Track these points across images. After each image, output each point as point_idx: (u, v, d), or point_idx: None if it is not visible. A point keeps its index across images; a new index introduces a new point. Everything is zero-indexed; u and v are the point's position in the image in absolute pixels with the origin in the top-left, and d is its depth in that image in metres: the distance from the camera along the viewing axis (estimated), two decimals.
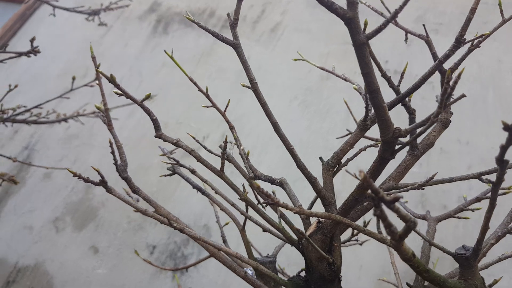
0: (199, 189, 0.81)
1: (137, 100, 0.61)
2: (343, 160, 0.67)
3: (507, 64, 1.89)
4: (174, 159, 0.79)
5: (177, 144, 0.69)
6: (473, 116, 1.78)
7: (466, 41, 0.52)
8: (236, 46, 0.61)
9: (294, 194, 0.69)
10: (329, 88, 1.93)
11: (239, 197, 0.71)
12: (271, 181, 0.70)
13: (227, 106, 0.76)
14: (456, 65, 0.58)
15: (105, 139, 1.96)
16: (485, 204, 0.86)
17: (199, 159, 0.71)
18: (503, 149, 0.30)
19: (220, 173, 0.71)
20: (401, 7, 0.37)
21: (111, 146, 0.63)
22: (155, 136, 0.66)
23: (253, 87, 0.63)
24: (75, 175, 0.62)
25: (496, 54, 1.92)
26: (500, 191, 0.80)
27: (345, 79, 0.78)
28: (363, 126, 0.55)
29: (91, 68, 2.09)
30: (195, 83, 0.73)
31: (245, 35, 2.01)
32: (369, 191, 0.28)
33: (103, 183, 0.64)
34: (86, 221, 1.92)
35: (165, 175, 0.81)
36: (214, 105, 0.76)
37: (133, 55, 2.07)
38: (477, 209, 0.84)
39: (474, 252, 0.47)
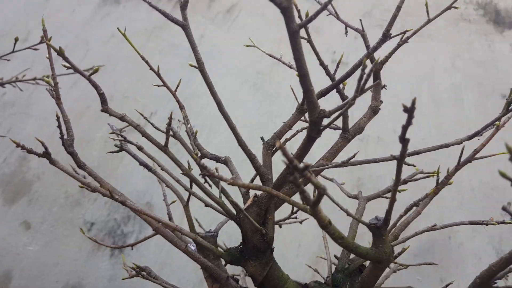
0: (145, 166, 0.81)
1: (85, 74, 0.61)
2: (282, 140, 0.74)
3: (441, 62, 2.05)
4: (122, 136, 0.79)
5: (123, 118, 0.70)
6: None
7: (391, 35, 0.59)
8: (184, 27, 0.63)
9: (237, 171, 0.74)
10: (280, 73, 1.97)
11: (182, 172, 0.73)
12: (216, 159, 0.74)
13: (177, 86, 0.77)
14: (386, 57, 0.68)
15: (44, 109, 1.85)
16: (411, 186, 0.94)
17: (144, 134, 0.73)
18: (404, 128, 0.35)
19: (164, 148, 0.73)
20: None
21: (58, 120, 0.63)
22: (101, 110, 0.66)
23: (200, 67, 0.66)
24: (18, 145, 0.61)
25: (432, 52, 2.07)
26: (424, 175, 0.88)
27: (290, 67, 0.83)
28: (300, 110, 0.60)
29: (33, 31, 1.96)
30: (146, 62, 0.74)
31: (200, 13, 1.99)
32: (285, 159, 0.31)
33: (46, 154, 0.63)
34: (19, 195, 1.81)
35: (113, 152, 0.81)
36: (165, 84, 0.77)
37: (81, 22, 1.97)
38: (403, 190, 0.91)
39: (384, 222, 0.51)
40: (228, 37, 2.00)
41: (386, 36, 0.61)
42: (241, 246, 0.71)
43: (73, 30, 1.95)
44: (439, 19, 0.70)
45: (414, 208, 0.77)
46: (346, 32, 0.78)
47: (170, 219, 0.86)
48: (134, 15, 1.98)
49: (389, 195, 0.89)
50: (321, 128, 0.53)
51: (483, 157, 0.78)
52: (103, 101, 0.66)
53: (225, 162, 0.77)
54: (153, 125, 0.78)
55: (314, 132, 0.53)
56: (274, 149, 0.72)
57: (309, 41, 0.72)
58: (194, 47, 0.65)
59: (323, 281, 0.76)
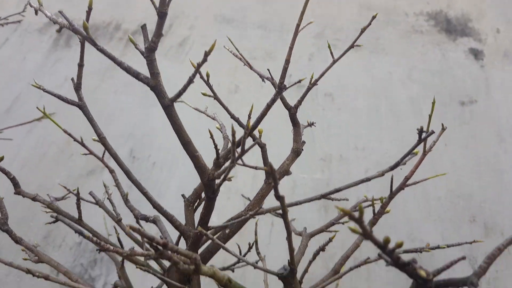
0: (80, 233, 0.84)
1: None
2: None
3: (397, 75, 2.07)
4: (57, 209, 0.79)
5: (35, 199, 0.74)
6: (368, 124, 1.92)
7: (286, 87, 0.60)
8: (81, 106, 0.68)
9: (166, 230, 0.75)
10: (236, 101, 1.97)
11: (98, 249, 0.75)
12: (145, 219, 0.75)
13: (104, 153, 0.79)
14: (299, 102, 0.72)
15: None
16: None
17: (58, 211, 0.77)
18: (275, 190, 0.35)
19: (78, 222, 0.78)
20: (204, 61, 0.43)
21: None
22: (14, 193, 0.70)
23: (101, 141, 0.70)
24: None
25: (387, 66, 2.09)
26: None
27: (213, 119, 0.85)
28: (217, 164, 0.60)
29: None
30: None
31: None
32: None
33: None
34: None
35: (49, 223, 0.84)
36: (91, 152, 0.80)
37: (32, 70, 1.97)
38: (346, 222, 0.91)
39: (290, 271, 0.52)
40: (182, 69, 2.00)
41: (281, 89, 0.61)
42: None
43: (25, 78, 1.95)
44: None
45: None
46: (263, 80, 0.77)
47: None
48: (86, 57, 1.99)
49: (334, 228, 0.88)
50: (216, 188, 0.54)
51: (415, 182, 0.78)
52: (15, 184, 0.69)
53: (154, 221, 0.78)
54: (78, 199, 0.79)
55: (209, 193, 0.55)
56: (195, 205, 0.73)
57: (215, 98, 0.74)
58: (93, 123, 0.68)
59: None
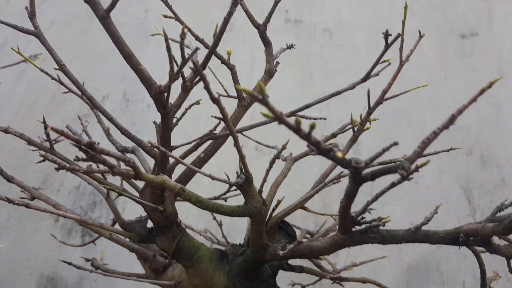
0: (63, 167, 0.85)
1: None
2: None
3: (397, 9, 1.99)
4: (29, 140, 0.79)
5: (6, 131, 0.74)
6: (368, 60, 1.86)
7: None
8: (37, 35, 0.66)
9: (145, 158, 0.75)
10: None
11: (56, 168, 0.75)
12: (125, 150, 0.75)
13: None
14: (267, 18, 0.63)
15: None
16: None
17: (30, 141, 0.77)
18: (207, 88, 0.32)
19: (50, 150, 0.78)
20: None
21: None
22: None
23: (61, 68, 0.68)
24: None
25: (388, 0, 2.00)
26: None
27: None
28: (184, 88, 0.57)
29: None
30: None
31: None
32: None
33: None
34: None
35: (39, 162, 0.83)
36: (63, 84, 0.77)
37: (17, 13, 1.89)
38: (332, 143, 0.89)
39: (246, 179, 0.53)
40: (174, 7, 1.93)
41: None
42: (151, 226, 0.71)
43: (12, 22, 1.88)
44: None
45: None
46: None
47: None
48: None
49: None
50: (166, 102, 0.53)
51: (394, 96, 0.75)
52: None
53: (133, 151, 0.77)
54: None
55: (161, 109, 0.54)
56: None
57: (177, 19, 0.70)
58: (52, 53, 0.66)
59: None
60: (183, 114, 0.71)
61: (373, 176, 0.43)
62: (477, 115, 1.73)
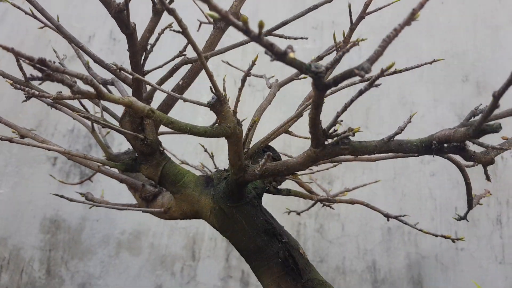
0: (51, 105, 0.82)
1: None
2: None
3: None
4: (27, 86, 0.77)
5: None
6: None
7: None
8: None
9: (124, 89, 0.74)
10: None
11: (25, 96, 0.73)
12: (105, 82, 0.75)
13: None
14: None
15: None
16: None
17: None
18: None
19: (26, 83, 0.73)
20: None
21: None
22: None
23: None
24: None
25: None
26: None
27: None
28: (155, 11, 0.54)
29: None
30: None
31: None
32: None
33: None
34: None
35: (24, 101, 0.79)
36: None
37: None
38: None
39: (217, 99, 0.52)
40: None
41: None
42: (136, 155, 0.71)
43: None
44: None
45: None
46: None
47: None
48: None
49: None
50: (127, 21, 0.50)
51: (377, 9, 0.71)
52: None
53: (112, 83, 0.76)
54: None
55: (123, 29, 0.52)
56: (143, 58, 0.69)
57: None
58: None
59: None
60: (157, 39, 0.69)
61: (336, 82, 0.41)
62: (474, 40, 1.68)
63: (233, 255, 1.59)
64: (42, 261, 1.66)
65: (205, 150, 1.00)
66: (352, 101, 0.47)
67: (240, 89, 0.57)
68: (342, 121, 0.49)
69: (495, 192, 1.54)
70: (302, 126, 1.02)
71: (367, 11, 0.66)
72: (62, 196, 0.89)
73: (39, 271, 1.65)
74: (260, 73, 0.88)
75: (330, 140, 0.53)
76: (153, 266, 1.61)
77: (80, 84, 0.80)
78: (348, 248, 1.54)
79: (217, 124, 0.57)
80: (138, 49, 0.58)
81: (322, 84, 0.42)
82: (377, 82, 0.50)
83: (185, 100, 0.56)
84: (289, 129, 0.74)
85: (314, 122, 0.49)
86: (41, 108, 1.78)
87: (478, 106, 0.54)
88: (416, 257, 1.53)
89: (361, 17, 0.66)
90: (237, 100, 0.57)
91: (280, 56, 0.40)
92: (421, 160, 1.54)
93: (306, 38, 0.74)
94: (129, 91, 0.76)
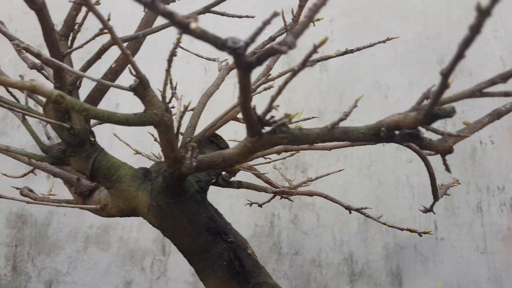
0: None
1: None
2: None
3: None
4: None
5: None
6: None
7: None
8: None
9: None
10: None
11: None
12: (34, 67, 0.68)
13: None
14: None
15: None
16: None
17: None
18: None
19: None
20: None
21: None
22: None
23: None
24: None
25: None
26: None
27: None
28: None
29: None
30: None
31: None
32: None
33: None
34: None
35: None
36: None
37: None
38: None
39: (140, 83, 0.46)
40: None
41: None
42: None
43: None
44: None
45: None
46: None
47: None
48: None
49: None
50: None
51: None
52: None
53: (42, 67, 0.69)
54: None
55: (29, 3, 0.45)
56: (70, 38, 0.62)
57: None
58: None
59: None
60: (84, 18, 0.62)
61: (259, 60, 0.35)
62: (449, 21, 1.61)
63: None
64: (8, 258, 1.59)
65: (155, 140, 0.92)
66: (286, 83, 0.40)
67: (167, 70, 0.50)
68: (278, 106, 0.42)
69: (474, 179, 1.49)
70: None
71: None
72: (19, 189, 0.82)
73: (4, 268, 1.58)
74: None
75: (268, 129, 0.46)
76: (122, 261, 1.55)
77: None
78: (324, 239, 1.49)
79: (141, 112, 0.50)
80: (52, 27, 0.51)
81: (244, 63, 0.35)
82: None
83: (108, 85, 0.49)
84: (238, 116, 0.68)
85: (245, 108, 0.42)
86: None
87: (431, 87, 0.48)
88: (395, 248, 1.48)
89: None
90: (165, 84, 0.50)
91: (183, 27, 0.33)
92: (397, 147, 1.49)
93: (253, 17, 0.67)
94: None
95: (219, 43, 0.33)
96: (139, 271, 1.53)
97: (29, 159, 0.70)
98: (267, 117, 0.44)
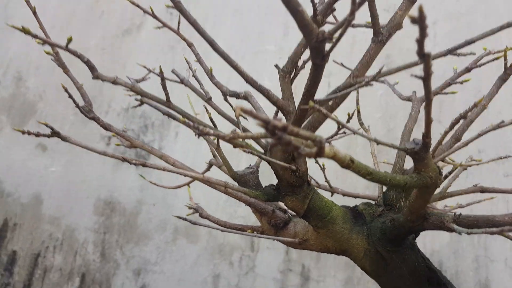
0: (168, 115, 0.78)
1: (62, 46, 0.56)
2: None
3: None
4: (141, 92, 0.70)
5: (115, 82, 0.65)
6: None
7: None
8: None
9: (259, 106, 0.67)
10: None
11: (196, 133, 0.65)
12: (236, 95, 0.68)
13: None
14: None
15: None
16: (475, 74, 0.80)
17: (143, 93, 0.68)
18: (419, 42, 0.30)
19: (168, 104, 0.69)
20: None
21: (66, 90, 0.65)
22: (93, 78, 0.63)
23: (178, 6, 0.58)
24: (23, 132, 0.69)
25: None
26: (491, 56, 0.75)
27: None
28: (315, 22, 0.45)
29: None
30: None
31: None
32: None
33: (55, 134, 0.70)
34: (25, 118, 1.73)
35: (135, 106, 0.79)
36: (165, 25, 0.76)
37: None
38: (466, 80, 0.78)
39: (423, 145, 0.45)
40: None
41: None
42: (276, 183, 0.63)
43: None
44: None
45: (462, 120, 0.64)
46: None
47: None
48: None
49: (448, 90, 0.76)
50: (326, 53, 0.43)
51: None
52: (91, 68, 0.62)
53: (246, 97, 0.69)
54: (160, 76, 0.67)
55: (318, 59, 0.44)
56: (292, 75, 0.61)
57: None
58: None
59: (373, 202, 0.67)
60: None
61: None
62: None
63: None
64: (96, 244, 1.62)
65: (316, 162, 0.91)
66: None
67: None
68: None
69: None
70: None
71: None
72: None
73: (93, 254, 1.62)
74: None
75: None
76: (211, 254, 1.57)
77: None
78: None
79: (416, 173, 0.48)
80: (318, 82, 0.49)
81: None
82: None
83: (378, 143, 0.47)
84: None
85: None
86: (93, 85, 1.69)
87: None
88: (485, 261, 1.48)
89: None
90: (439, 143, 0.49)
91: None
92: None
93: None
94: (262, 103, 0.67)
95: None
96: (228, 266, 1.56)
97: (225, 188, 0.69)
98: None
